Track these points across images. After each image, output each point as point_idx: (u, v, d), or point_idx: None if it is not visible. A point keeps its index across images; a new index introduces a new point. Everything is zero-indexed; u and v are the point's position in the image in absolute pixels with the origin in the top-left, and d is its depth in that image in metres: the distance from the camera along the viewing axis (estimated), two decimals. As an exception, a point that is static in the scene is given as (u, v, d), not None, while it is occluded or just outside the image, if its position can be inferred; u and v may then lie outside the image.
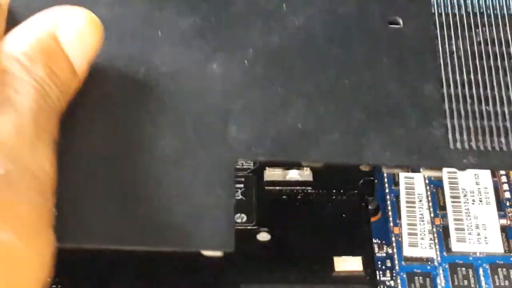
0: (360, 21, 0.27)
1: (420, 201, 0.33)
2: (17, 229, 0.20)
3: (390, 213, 0.33)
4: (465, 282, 0.30)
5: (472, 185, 0.33)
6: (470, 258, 0.31)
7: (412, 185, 0.33)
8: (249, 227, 0.31)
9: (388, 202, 0.33)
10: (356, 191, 0.32)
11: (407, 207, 0.32)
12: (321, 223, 0.31)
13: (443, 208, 0.32)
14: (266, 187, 0.32)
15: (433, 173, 0.25)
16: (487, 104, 0.25)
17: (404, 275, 0.31)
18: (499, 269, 0.31)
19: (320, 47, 0.26)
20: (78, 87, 0.24)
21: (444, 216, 0.32)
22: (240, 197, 0.32)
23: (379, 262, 0.31)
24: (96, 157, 0.24)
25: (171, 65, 0.25)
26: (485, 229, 0.32)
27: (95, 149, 0.24)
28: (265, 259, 0.30)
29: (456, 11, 0.27)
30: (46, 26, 0.24)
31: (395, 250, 0.32)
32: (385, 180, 0.34)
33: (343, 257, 0.30)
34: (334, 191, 0.32)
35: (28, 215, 0.21)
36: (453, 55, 0.26)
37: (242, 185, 0.32)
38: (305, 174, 0.33)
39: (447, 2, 0.27)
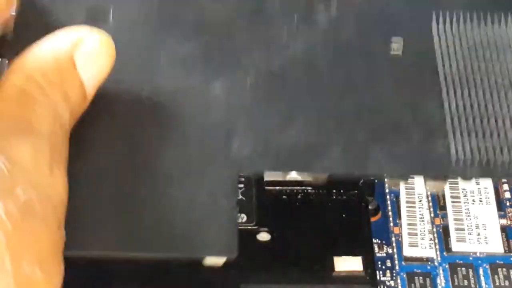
0: (361, 43, 0.27)
1: (420, 201, 0.33)
2: (40, 261, 0.21)
3: (390, 213, 0.33)
4: (465, 282, 0.30)
5: (472, 185, 0.33)
6: (470, 258, 0.31)
7: (412, 185, 0.33)
8: (249, 227, 0.31)
9: (388, 202, 0.33)
10: (356, 191, 0.32)
11: (407, 207, 0.32)
12: (321, 223, 0.31)
13: (443, 208, 0.32)
14: (266, 187, 0.32)
15: (436, 186, 0.26)
16: (488, 120, 0.25)
17: (404, 275, 0.31)
18: (499, 269, 0.31)
19: (322, 69, 0.27)
20: (85, 109, 0.24)
21: (444, 216, 0.32)
22: (240, 197, 0.32)
23: (379, 262, 0.31)
24: (102, 170, 0.24)
25: (174, 87, 0.26)
26: (485, 229, 0.32)
27: (102, 163, 0.24)
28: (265, 259, 0.30)
29: (456, 32, 0.27)
30: (65, 48, 0.24)
31: (395, 250, 0.32)
32: (385, 180, 0.34)
33: (343, 257, 0.30)
34: (334, 191, 0.32)
35: (48, 245, 0.21)
36: (454, 74, 0.26)
37: (242, 185, 0.32)
38: (305, 174, 0.33)
39: (447, 25, 0.27)
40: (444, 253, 0.31)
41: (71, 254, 0.22)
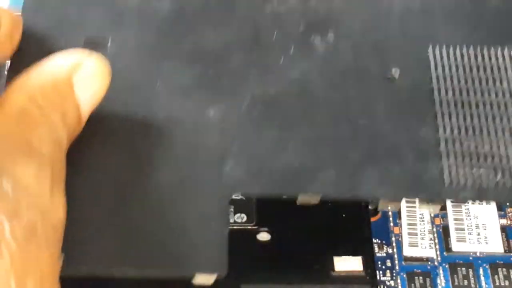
0: (357, 72, 0.27)
1: (420, 201, 0.33)
2: (42, 280, 0.21)
3: (390, 213, 0.33)
4: (465, 282, 0.30)
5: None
6: (470, 258, 0.31)
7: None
8: (249, 227, 0.31)
9: (388, 202, 0.33)
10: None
11: (407, 207, 0.32)
12: (321, 223, 0.31)
13: (443, 208, 0.32)
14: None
15: (431, 209, 0.26)
16: (483, 146, 0.26)
17: (404, 275, 0.31)
18: (499, 269, 0.31)
19: (317, 95, 0.27)
20: (79, 132, 0.25)
21: (444, 216, 0.32)
22: (240, 197, 0.32)
23: (379, 262, 0.31)
24: (95, 190, 0.25)
25: (169, 111, 0.26)
26: (485, 229, 0.32)
27: (95, 184, 0.25)
28: (265, 259, 0.30)
29: (452, 63, 0.27)
30: (64, 70, 0.24)
31: (395, 250, 0.32)
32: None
33: (343, 257, 0.30)
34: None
35: (49, 265, 0.21)
36: (449, 104, 0.26)
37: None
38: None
39: (444, 53, 0.28)
40: (444, 253, 0.31)
41: (62, 273, 0.22)
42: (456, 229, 0.32)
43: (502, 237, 0.32)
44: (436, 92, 0.27)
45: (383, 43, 0.28)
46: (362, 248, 0.31)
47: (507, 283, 0.30)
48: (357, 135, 0.26)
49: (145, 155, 0.25)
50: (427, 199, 0.25)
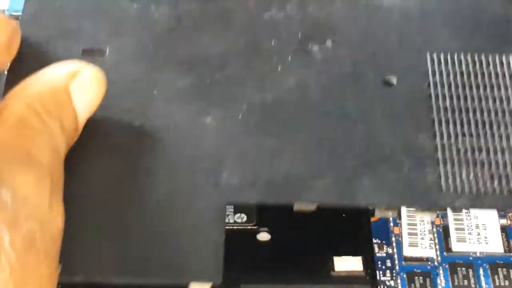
0: (355, 79, 0.28)
1: (420, 201, 0.33)
2: None
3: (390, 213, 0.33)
4: (465, 282, 0.30)
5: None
6: (470, 258, 0.31)
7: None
8: (249, 227, 0.31)
9: (388, 202, 0.33)
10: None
11: (407, 207, 0.32)
12: (321, 223, 0.31)
13: (443, 208, 0.32)
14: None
15: (428, 217, 0.26)
16: (480, 153, 0.26)
17: (404, 275, 0.31)
18: (499, 269, 0.31)
19: (314, 102, 0.27)
20: (76, 140, 0.25)
21: (444, 216, 0.32)
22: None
23: (379, 262, 0.31)
24: (91, 198, 0.25)
25: (166, 118, 0.26)
26: (485, 229, 0.32)
27: (91, 191, 0.25)
28: (265, 259, 0.30)
29: (450, 70, 0.27)
30: (62, 79, 0.24)
31: (395, 250, 0.32)
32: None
33: (343, 257, 0.30)
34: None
35: (47, 275, 0.21)
36: (447, 111, 0.27)
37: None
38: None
39: (441, 62, 0.28)
40: (444, 253, 0.31)
41: (59, 281, 0.22)
42: (456, 229, 0.32)
43: (502, 237, 0.32)
44: (433, 99, 0.27)
45: (381, 50, 0.28)
46: (362, 248, 0.31)
47: (507, 283, 0.30)
48: (354, 142, 0.26)
49: (142, 163, 0.25)
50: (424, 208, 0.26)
